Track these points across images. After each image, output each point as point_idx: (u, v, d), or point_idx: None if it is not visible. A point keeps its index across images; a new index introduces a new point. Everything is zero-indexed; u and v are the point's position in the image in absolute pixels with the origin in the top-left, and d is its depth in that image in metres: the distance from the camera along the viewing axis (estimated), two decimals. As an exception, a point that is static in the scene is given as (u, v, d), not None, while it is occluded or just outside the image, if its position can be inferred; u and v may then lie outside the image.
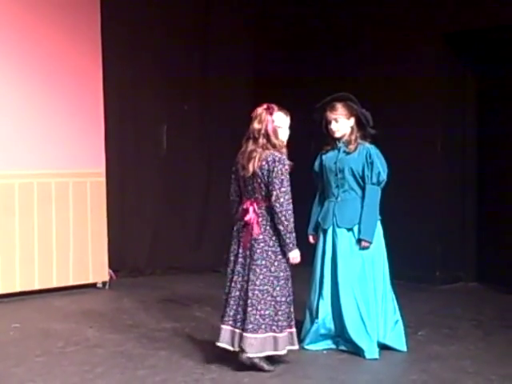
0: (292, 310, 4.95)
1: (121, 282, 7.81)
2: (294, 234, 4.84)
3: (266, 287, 4.82)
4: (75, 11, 7.38)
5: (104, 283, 7.62)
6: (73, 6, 7.37)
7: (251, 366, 4.83)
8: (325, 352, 5.35)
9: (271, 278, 4.84)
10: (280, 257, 4.86)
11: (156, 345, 5.49)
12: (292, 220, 4.81)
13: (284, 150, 4.86)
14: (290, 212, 4.79)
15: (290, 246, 4.83)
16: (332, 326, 5.39)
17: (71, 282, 7.39)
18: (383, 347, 5.34)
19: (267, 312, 4.82)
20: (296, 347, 5.00)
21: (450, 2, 7.49)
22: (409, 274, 7.39)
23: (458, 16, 7.43)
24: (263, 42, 9.07)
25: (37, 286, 7.17)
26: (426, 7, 7.64)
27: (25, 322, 6.19)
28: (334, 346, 5.41)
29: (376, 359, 5.20)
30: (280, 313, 4.84)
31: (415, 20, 7.73)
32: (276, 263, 4.85)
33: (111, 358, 5.21)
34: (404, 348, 5.39)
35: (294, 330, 4.95)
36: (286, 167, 4.80)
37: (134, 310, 6.66)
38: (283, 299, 4.86)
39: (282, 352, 4.88)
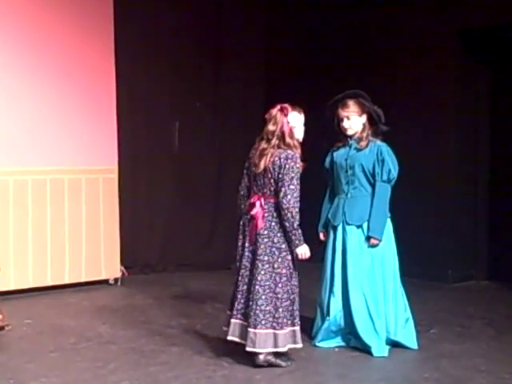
0: (296, 307, 4.91)
1: (133, 278, 7.83)
2: (299, 231, 4.84)
3: (267, 283, 4.83)
4: (88, 9, 7.39)
5: (116, 280, 7.65)
6: (86, 4, 7.39)
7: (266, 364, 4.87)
8: (336, 349, 5.36)
9: (273, 275, 4.84)
10: (284, 253, 4.86)
11: (168, 341, 5.51)
12: (298, 217, 4.81)
13: (299, 150, 4.86)
14: (296, 210, 4.79)
15: (296, 242, 4.84)
16: (343, 323, 5.39)
17: (83, 279, 7.42)
18: (394, 345, 5.34)
19: (267, 308, 4.82)
20: (299, 346, 4.94)
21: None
22: (421, 272, 7.38)
23: (472, 14, 7.39)
24: (275, 41, 9.06)
25: (49, 282, 7.19)
26: (439, 3, 7.61)
27: (37, 318, 6.22)
28: (345, 343, 5.41)
29: (384, 357, 5.19)
30: (281, 310, 4.83)
31: (429, 16, 7.71)
32: (280, 260, 4.85)
33: (124, 354, 5.23)
34: (415, 346, 5.39)
35: (297, 328, 4.90)
36: (298, 165, 4.80)
37: (146, 307, 6.68)
38: (285, 296, 4.85)
39: (282, 349, 4.87)
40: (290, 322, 4.88)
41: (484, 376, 4.81)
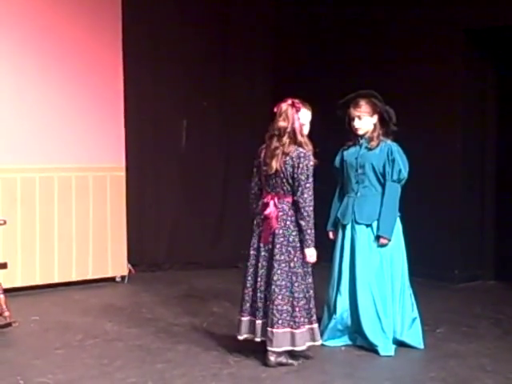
0: (312, 305, 4.94)
1: (139, 276, 7.85)
2: (313, 231, 4.85)
3: (283, 282, 4.84)
4: (96, 7, 7.40)
5: (123, 277, 7.66)
6: (94, 3, 7.40)
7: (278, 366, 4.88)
8: (343, 348, 5.36)
9: (290, 274, 4.85)
10: (299, 252, 4.88)
11: (174, 339, 5.51)
12: (313, 216, 4.83)
13: (310, 147, 4.86)
14: (312, 208, 4.82)
15: (309, 242, 4.84)
16: (349, 322, 5.39)
17: (90, 276, 7.44)
18: (400, 344, 5.33)
19: (285, 307, 4.83)
20: (318, 343, 4.99)
21: (472, -1, 7.46)
22: (427, 271, 7.36)
23: (479, 13, 7.38)
24: (282, 39, 9.05)
25: (56, 280, 7.22)
26: (447, 4, 7.59)
27: (44, 314, 6.24)
28: (351, 342, 5.40)
29: (391, 356, 5.19)
30: (297, 309, 4.85)
31: (436, 17, 7.69)
32: (295, 259, 4.86)
33: (130, 351, 5.24)
34: (421, 346, 5.38)
35: (315, 325, 4.93)
36: (312, 163, 4.81)
37: (153, 305, 6.69)
38: (301, 295, 4.87)
39: (300, 348, 4.89)
40: (307, 320, 4.89)
41: (490, 376, 4.80)
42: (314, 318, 4.95)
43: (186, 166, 8.51)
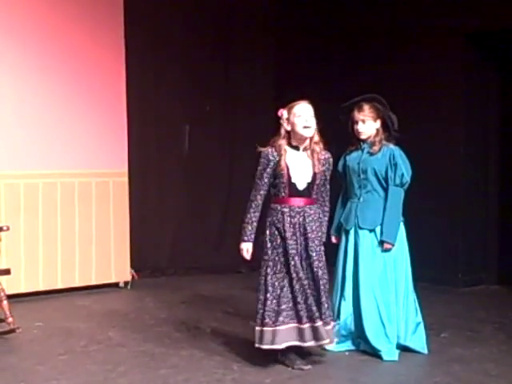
0: (285, 306, 4.85)
1: (142, 281, 7.84)
2: (244, 226, 4.95)
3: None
4: (98, 11, 7.42)
5: (126, 283, 7.66)
6: (96, 6, 7.41)
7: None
8: (346, 353, 5.33)
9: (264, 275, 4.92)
10: (265, 250, 4.93)
11: (178, 344, 5.51)
12: (249, 211, 4.93)
13: (274, 141, 4.91)
14: (249, 203, 4.95)
15: (241, 237, 4.97)
16: (353, 327, 5.38)
17: (94, 282, 7.44)
18: (404, 349, 5.32)
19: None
20: (295, 343, 4.89)
21: (473, 2, 7.45)
22: (431, 276, 7.35)
23: (481, 16, 7.39)
24: (285, 42, 9.07)
25: (60, 286, 7.23)
26: (449, 7, 7.60)
27: (48, 320, 6.24)
28: (355, 347, 5.39)
29: (394, 361, 5.17)
30: (267, 308, 4.81)
31: (438, 20, 7.70)
32: (264, 256, 4.93)
33: (133, 357, 5.24)
34: (425, 350, 5.36)
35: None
36: (261, 160, 4.91)
37: (156, 310, 6.69)
38: (267, 295, 4.82)
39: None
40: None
41: (494, 380, 4.79)
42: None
43: (190, 170, 8.51)
